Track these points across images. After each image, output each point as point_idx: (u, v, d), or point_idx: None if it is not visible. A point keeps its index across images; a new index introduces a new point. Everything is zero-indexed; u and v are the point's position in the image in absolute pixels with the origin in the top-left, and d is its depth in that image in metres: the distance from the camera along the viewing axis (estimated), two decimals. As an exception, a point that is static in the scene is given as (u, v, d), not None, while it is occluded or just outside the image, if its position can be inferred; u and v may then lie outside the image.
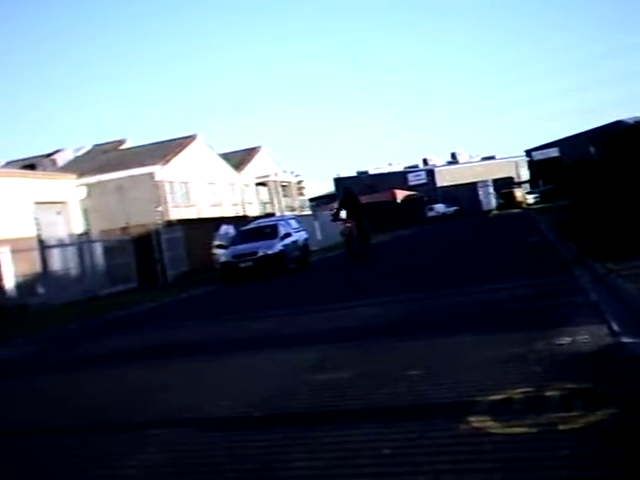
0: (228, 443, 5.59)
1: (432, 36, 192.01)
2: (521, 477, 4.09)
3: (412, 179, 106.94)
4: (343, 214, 27.64)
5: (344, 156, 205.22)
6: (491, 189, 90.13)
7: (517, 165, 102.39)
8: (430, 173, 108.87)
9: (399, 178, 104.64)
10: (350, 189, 31.28)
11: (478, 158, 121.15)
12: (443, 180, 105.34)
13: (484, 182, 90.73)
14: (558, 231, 22.32)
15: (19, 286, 29.96)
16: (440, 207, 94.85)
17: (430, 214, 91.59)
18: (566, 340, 7.10)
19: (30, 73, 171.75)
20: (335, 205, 33.74)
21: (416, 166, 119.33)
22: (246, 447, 5.42)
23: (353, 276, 21.80)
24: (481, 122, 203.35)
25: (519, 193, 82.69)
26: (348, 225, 27.16)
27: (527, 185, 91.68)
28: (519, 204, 77.23)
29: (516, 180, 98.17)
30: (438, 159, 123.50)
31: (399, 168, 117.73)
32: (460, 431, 4.93)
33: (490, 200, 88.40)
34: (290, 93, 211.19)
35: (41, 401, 9.02)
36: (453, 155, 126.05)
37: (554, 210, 34.77)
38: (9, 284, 29.03)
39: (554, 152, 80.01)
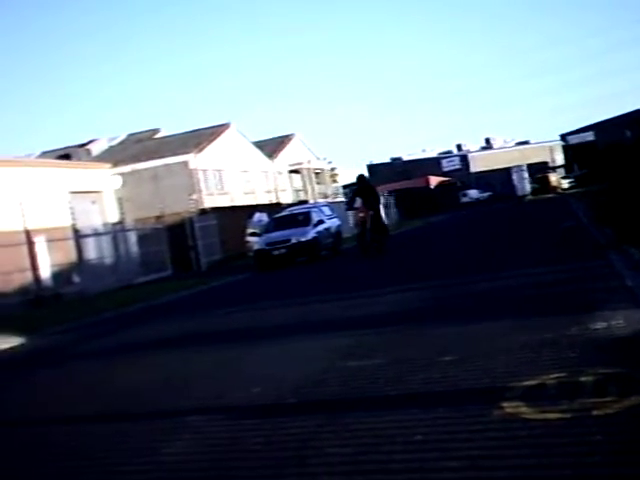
0: (261, 430, 5.60)
1: (464, 25, 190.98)
2: (554, 462, 4.05)
3: (446, 165, 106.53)
4: (358, 203, 25.87)
5: (377, 143, 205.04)
6: (525, 174, 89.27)
7: (552, 150, 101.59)
8: (464, 159, 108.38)
9: (433, 164, 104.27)
10: (365, 176, 29.04)
11: (512, 143, 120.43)
12: (477, 165, 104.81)
13: (518, 167, 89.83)
14: (593, 216, 22.13)
15: (55, 275, 30.22)
16: (474, 193, 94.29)
17: (464, 200, 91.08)
18: (601, 325, 7.04)
19: (65, 65, 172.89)
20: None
21: (450, 152, 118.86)
22: (278, 434, 5.44)
23: (385, 263, 21.76)
24: (515, 107, 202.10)
25: (554, 178, 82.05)
26: (362, 215, 25.24)
27: (562, 170, 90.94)
28: (554, 189, 76.63)
29: (551, 165, 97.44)
30: (472, 145, 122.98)
31: (433, 154, 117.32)
32: (494, 417, 4.91)
33: (524, 185, 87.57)
34: (322, 81, 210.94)
35: (77, 389, 9.10)
36: (487, 140, 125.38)
37: (589, 195, 34.44)
38: (45, 273, 29.28)
39: (589, 136, 79.17)
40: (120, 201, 40.39)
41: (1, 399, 9.28)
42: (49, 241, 29.50)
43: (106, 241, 33.35)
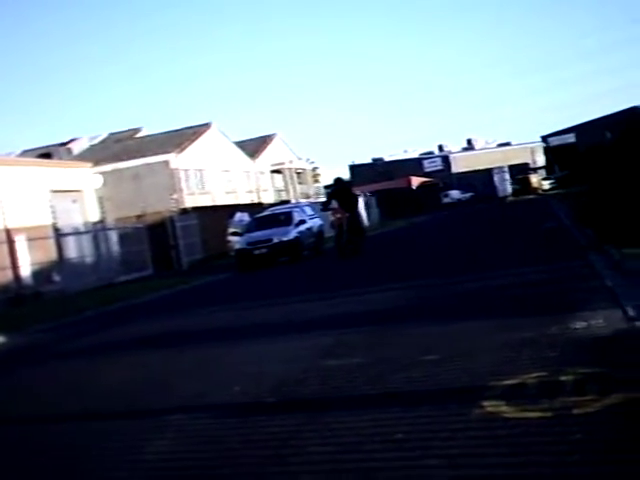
0: (241, 429, 5.60)
1: (446, 27, 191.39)
2: (534, 461, 4.06)
3: (427, 165, 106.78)
4: (334, 204, 25.45)
5: (359, 143, 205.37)
6: (507, 175, 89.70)
7: (533, 151, 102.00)
8: (445, 159, 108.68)
9: (414, 164, 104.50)
10: (342, 179, 28.62)
11: (494, 144, 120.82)
12: (458, 166, 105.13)
13: (500, 168, 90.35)
14: (574, 217, 22.23)
15: (35, 274, 30.10)
16: (455, 193, 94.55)
17: (446, 200, 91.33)
18: (581, 325, 7.07)
19: (45, 62, 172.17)
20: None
21: (431, 152, 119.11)
22: (259, 432, 5.43)
23: (368, 263, 21.78)
24: (497, 108, 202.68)
25: (535, 179, 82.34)
26: (338, 216, 24.90)
27: (543, 171, 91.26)
28: (535, 190, 76.90)
29: (532, 166, 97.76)
30: (453, 145, 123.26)
31: (414, 155, 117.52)
32: (474, 415, 4.92)
33: (506, 186, 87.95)
34: (304, 81, 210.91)
35: (59, 388, 9.06)
36: (469, 141, 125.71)
37: (570, 196, 34.60)
38: (25, 272, 29.17)
39: (570, 138, 79.47)
40: (101, 200, 40.26)
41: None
42: (29, 240, 29.38)
43: (87, 240, 33.27)
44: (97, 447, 5.80)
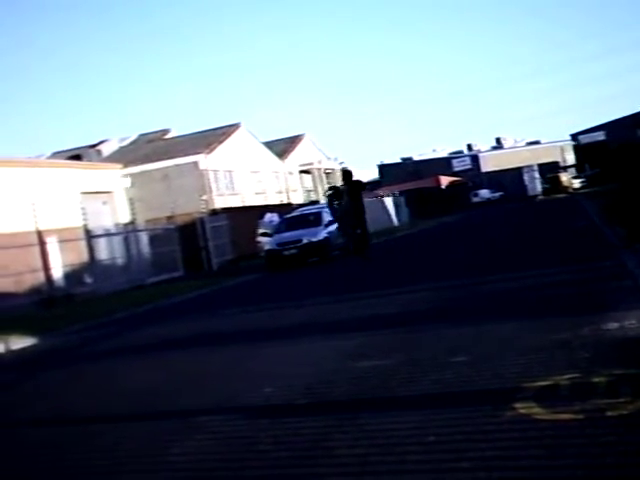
0: (272, 430, 5.60)
1: (475, 28, 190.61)
2: (567, 463, 4.03)
3: (456, 165, 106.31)
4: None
5: (388, 142, 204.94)
6: (536, 174, 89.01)
7: (563, 150, 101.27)
8: (475, 158, 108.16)
9: (443, 164, 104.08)
10: (350, 172, 26.56)
11: (523, 143, 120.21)
12: (488, 165, 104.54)
13: (529, 167, 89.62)
14: (605, 216, 22.06)
15: (67, 275, 30.32)
16: (485, 193, 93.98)
17: (475, 200, 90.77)
18: (613, 325, 7.01)
19: (76, 65, 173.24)
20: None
21: (460, 152, 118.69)
22: (290, 434, 5.43)
23: (396, 263, 21.75)
24: (526, 107, 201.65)
25: (565, 178, 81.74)
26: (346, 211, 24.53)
27: (573, 169, 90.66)
28: (565, 189, 76.35)
29: (562, 164, 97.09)
30: (482, 144, 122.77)
31: (443, 154, 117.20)
32: (506, 417, 4.89)
33: (536, 185, 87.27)
34: (333, 81, 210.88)
35: (89, 389, 9.11)
36: (498, 140, 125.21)
37: (601, 194, 34.35)
38: (57, 274, 29.38)
39: (600, 136, 79.06)
40: (131, 201, 40.47)
41: (13, 400, 9.31)
42: (61, 241, 29.59)
43: (118, 241, 33.42)
44: (124, 448, 5.83)
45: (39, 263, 26.86)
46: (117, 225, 36.16)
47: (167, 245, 36.35)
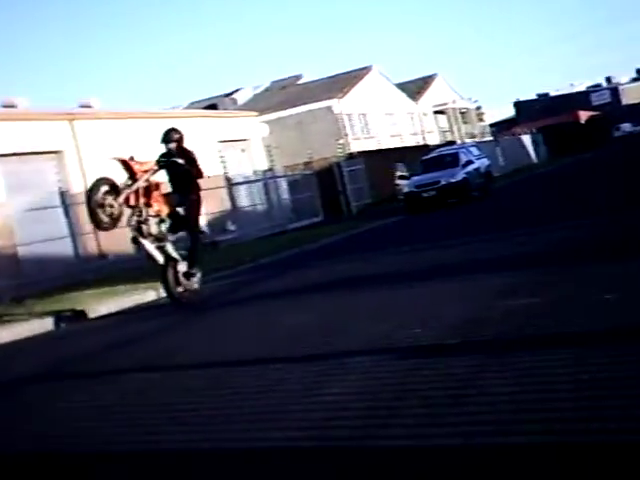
0: (422, 370, 5.64)
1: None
2: None
3: (595, 99, 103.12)
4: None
5: (523, 79, 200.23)
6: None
7: None
8: (614, 91, 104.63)
9: (581, 98, 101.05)
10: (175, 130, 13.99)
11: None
12: (628, 98, 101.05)
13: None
14: None
15: (210, 224, 30.99)
16: (626, 126, 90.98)
17: (616, 134, 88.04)
18: None
19: (206, 15, 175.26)
20: None
21: (599, 85, 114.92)
22: (440, 373, 5.45)
23: (536, 201, 21.36)
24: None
25: None
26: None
27: None
28: None
29: None
30: (622, 76, 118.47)
31: (581, 88, 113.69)
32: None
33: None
34: (464, 19, 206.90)
35: (238, 332, 9.32)
36: (638, 71, 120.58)
37: None
38: (201, 222, 30.01)
39: None
40: (268, 149, 40.88)
41: (174, 342, 9.60)
42: (203, 190, 30.19)
43: (258, 189, 33.89)
44: (277, 389, 5.94)
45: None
46: (256, 172, 36.62)
47: (306, 191, 36.67)
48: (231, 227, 31.25)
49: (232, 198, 32.31)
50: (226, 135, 37.20)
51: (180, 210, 12.83)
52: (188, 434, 5.08)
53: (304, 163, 39.83)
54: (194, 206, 13.11)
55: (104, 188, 11.97)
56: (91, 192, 11.89)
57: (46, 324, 13.32)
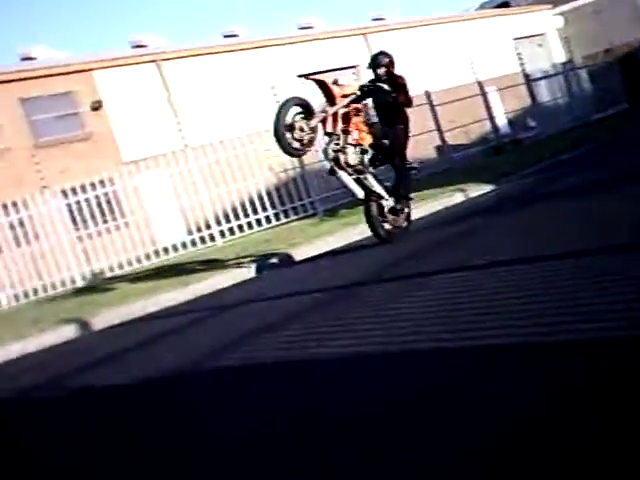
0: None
1: None
2: None
3: None
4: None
5: None
6: None
7: None
8: None
9: None
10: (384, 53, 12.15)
11: None
12: None
13: None
14: None
15: (510, 122, 31.18)
16: None
17: None
18: None
19: None
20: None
21: None
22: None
23: None
24: None
25: None
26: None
27: None
28: None
29: None
30: None
31: None
32: None
33: None
34: None
35: (549, 226, 9.26)
36: None
37: None
38: (501, 121, 30.28)
39: None
40: (567, 40, 39.98)
41: (489, 240, 9.55)
42: (500, 89, 30.38)
43: (557, 82, 33.46)
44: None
45: (483, 113, 27.86)
46: (554, 66, 36.05)
47: (607, 80, 35.62)
48: (532, 123, 31.23)
49: (532, 94, 32.16)
50: (521, 32, 36.89)
51: (385, 142, 11.81)
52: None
53: (604, 50, 38.53)
54: (400, 137, 11.87)
55: (295, 109, 10.76)
56: (279, 112, 10.49)
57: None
